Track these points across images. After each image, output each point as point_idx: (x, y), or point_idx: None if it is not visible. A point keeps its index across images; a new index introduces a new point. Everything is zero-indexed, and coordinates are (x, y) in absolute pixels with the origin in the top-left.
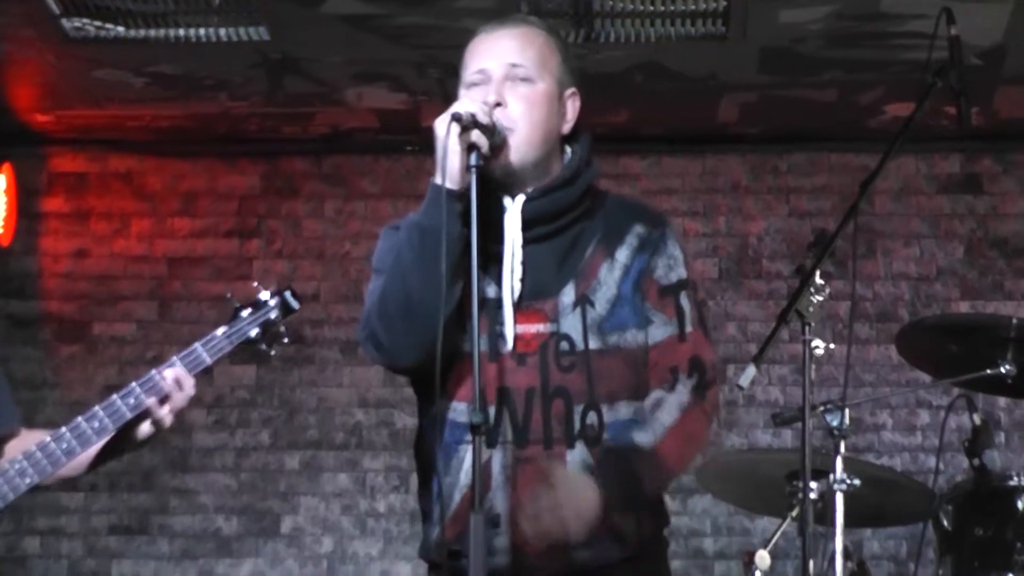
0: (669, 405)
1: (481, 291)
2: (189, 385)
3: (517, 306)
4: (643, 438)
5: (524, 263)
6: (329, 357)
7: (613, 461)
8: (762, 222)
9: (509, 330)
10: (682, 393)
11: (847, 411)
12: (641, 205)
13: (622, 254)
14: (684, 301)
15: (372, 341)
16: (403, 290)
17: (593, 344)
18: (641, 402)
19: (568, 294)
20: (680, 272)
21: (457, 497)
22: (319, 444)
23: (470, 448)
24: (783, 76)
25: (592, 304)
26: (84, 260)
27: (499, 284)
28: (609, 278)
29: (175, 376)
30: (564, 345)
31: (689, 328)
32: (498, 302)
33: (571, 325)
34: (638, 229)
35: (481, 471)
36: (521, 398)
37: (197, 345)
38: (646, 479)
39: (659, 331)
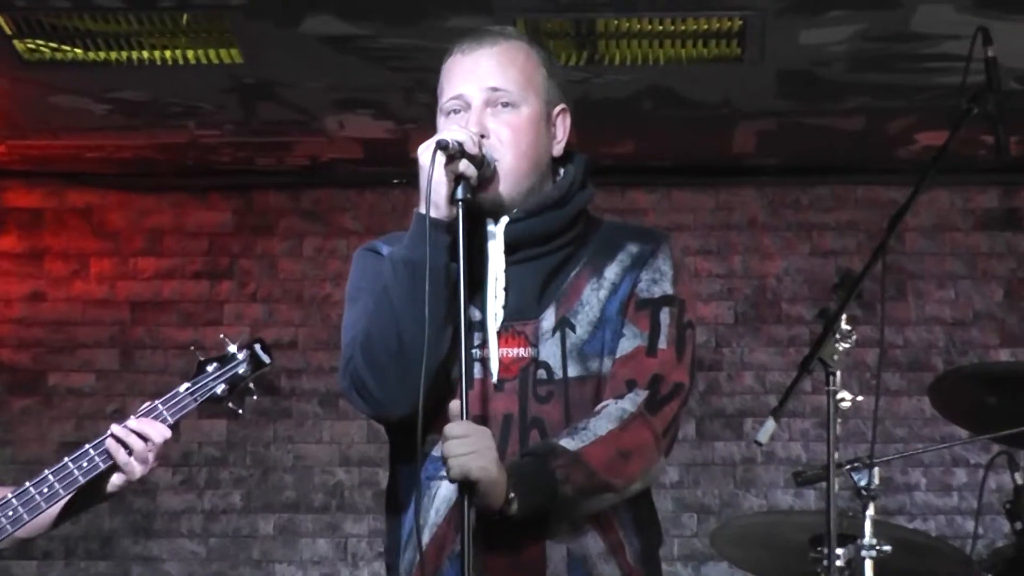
0: (607, 414)
1: (467, 315)
2: (157, 431)
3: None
4: (568, 442)
5: (506, 286)
6: (307, 410)
7: (529, 457)
8: (781, 261)
9: (494, 356)
10: (628, 404)
11: (876, 469)
12: (640, 226)
13: (611, 271)
14: (663, 317)
15: (358, 390)
16: (394, 332)
17: (572, 371)
18: None
19: (548, 318)
20: (665, 287)
21: (426, 537)
22: (296, 506)
23: (444, 483)
24: (804, 102)
25: (572, 328)
26: (39, 304)
27: (479, 306)
28: (593, 298)
29: (135, 428)
30: (542, 373)
31: (663, 345)
32: (480, 325)
33: (550, 351)
34: (632, 247)
35: (452, 506)
36: (497, 426)
37: (157, 403)
38: (563, 480)
39: (627, 343)
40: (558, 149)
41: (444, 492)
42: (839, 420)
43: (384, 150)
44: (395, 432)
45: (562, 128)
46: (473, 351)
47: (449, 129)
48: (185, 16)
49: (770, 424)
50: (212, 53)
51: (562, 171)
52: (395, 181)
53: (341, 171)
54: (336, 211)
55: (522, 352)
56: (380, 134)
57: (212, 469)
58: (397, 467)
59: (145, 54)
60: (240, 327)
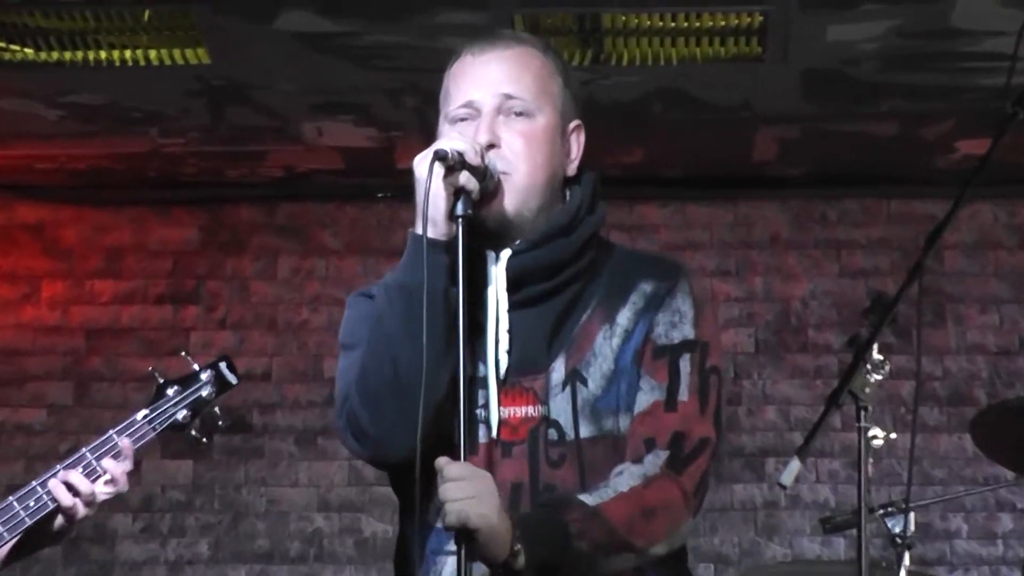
0: (629, 473)
1: (468, 365)
2: (120, 471)
3: (503, 384)
4: (586, 497)
5: (511, 332)
6: (282, 449)
7: (541, 508)
8: (807, 283)
9: (494, 414)
10: (648, 467)
11: (912, 515)
12: (655, 257)
13: (624, 317)
14: (683, 365)
15: (352, 429)
16: (390, 364)
17: (585, 431)
18: None
19: (558, 370)
20: (686, 331)
21: None
22: (270, 556)
23: (451, 560)
24: (832, 106)
25: (584, 381)
26: None
27: (482, 358)
28: (606, 347)
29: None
30: (552, 433)
31: (683, 396)
32: (473, 380)
33: (560, 408)
34: (645, 286)
35: None
36: (506, 496)
37: (112, 433)
38: (577, 535)
39: (644, 398)
40: (571, 168)
41: (451, 570)
42: (871, 460)
43: (367, 160)
44: (402, 491)
45: (576, 145)
46: (478, 411)
47: (449, 137)
48: (147, 12)
49: (795, 464)
50: (176, 53)
51: (568, 192)
52: (379, 195)
53: (319, 183)
54: (314, 227)
55: (531, 411)
56: (362, 142)
57: (176, 515)
58: (405, 533)
59: (102, 54)
60: (207, 357)
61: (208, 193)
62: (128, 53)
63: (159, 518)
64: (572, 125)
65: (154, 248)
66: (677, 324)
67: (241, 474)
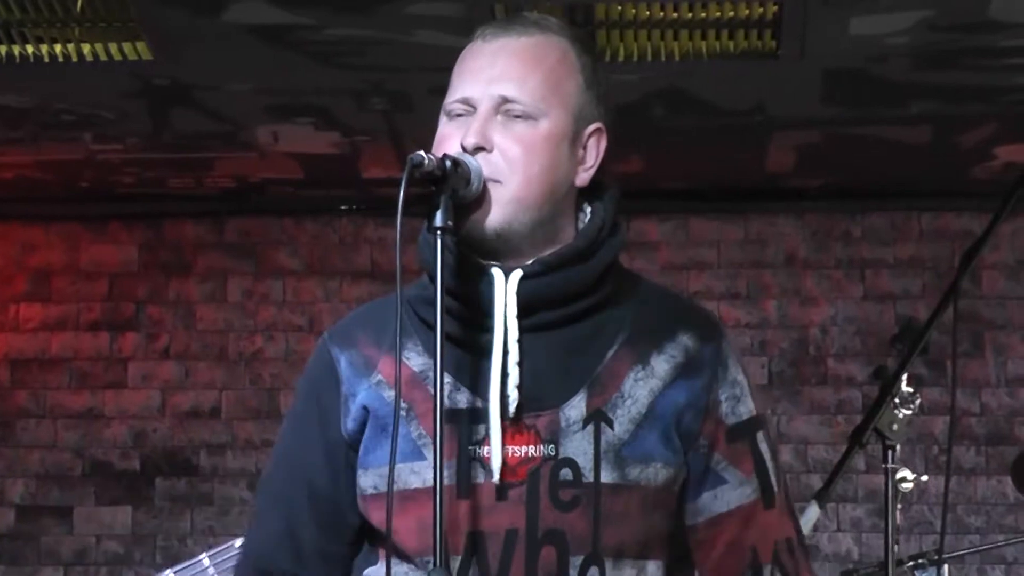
0: None
1: (450, 399)
2: None
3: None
4: None
5: (521, 363)
6: (233, 495)
7: None
8: (828, 308)
9: (496, 455)
10: None
11: (947, 568)
12: (688, 305)
13: (660, 364)
14: (762, 448)
15: None
16: None
17: (606, 476)
18: (646, 560)
19: (576, 407)
20: (748, 405)
21: None
22: None
23: None
24: (855, 108)
25: (610, 423)
26: None
27: (475, 390)
28: (639, 390)
29: None
30: (566, 473)
31: (776, 489)
32: (471, 413)
33: (579, 447)
34: (685, 340)
35: None
36: (498, 544)
37: (204, 557)
38: None
39: (735, 493)
40: (583, 178)
41: None
42: (900, 506)
43: (329, 168)
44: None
45: (594, 152)
46: (471, 449)
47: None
48: (80, 1)
49: (813, 511)
50: (113, 47)
51: (588, 208)
52: (343, 207)
53: (275, 195)
54: (268, 245)
55: (532, 451)
56: (324, 148)
57: (113, 569)
58: None
59: (29, 49)
60: (148, 390)
61: (149, 207)
62: (58, 48)
63: (94, 572)
64: (590, 129)
65: (88, 269)
66: (740, 398)
67: (186, 523)
